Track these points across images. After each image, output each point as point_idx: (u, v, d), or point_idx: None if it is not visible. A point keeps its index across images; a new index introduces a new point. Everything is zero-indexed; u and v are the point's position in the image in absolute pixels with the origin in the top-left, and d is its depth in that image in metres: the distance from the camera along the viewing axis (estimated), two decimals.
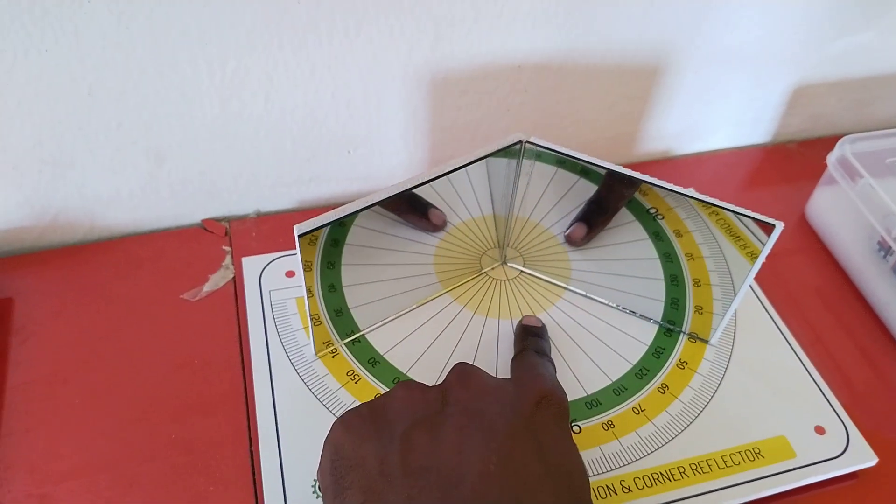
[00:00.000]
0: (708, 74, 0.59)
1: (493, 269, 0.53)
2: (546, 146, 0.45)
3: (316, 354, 0.46)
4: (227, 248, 0.53)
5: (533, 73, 0.54)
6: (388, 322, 0.49)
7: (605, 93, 0.58)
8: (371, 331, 0.48)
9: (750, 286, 0.53)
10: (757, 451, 0.43)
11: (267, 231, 0.55)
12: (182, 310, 0.50)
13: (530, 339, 0.45)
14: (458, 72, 0.52)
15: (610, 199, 0.50)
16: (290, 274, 0.51)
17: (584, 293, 0.51)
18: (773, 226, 0.42)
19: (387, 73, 0.50)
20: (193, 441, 0.43)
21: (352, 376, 0.46)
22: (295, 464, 0.41)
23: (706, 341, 0.49)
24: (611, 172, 0.45)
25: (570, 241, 0.51)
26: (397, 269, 0.48)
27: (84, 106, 0.46)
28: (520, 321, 0.47)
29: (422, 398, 0.35)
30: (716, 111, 0.63)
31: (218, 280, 0.51)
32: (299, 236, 0.39)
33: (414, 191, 0.42)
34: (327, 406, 0.44)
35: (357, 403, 0.44)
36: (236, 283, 0.51)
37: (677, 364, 0.48)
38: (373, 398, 0.36)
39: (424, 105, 0.53)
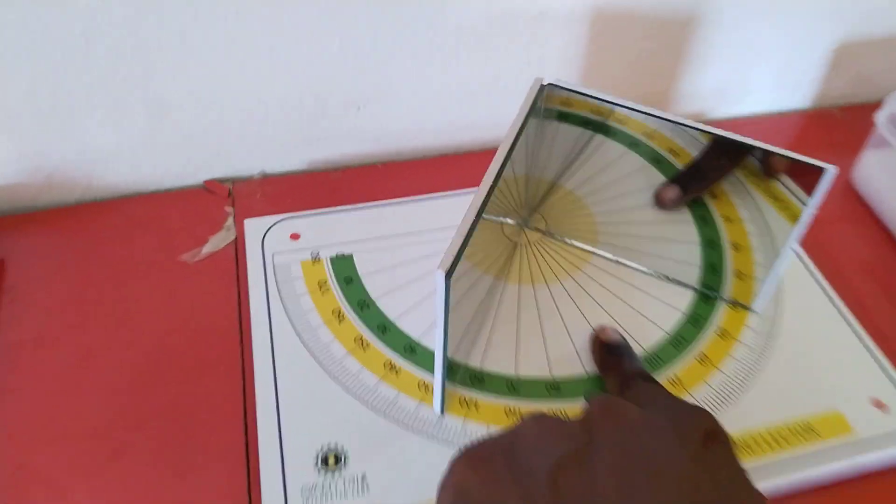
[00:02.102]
0: (746, 28, 0.55)
1: (513, 232, 0.49)
2: (568, 87, 0.41)
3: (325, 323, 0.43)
4: (230, 210, 0.50)
5: (554, 22, 0.50)
6: (400, 288, 0.45)
7: (634, 45, 0.54)
8: (383, 296, 0.44)
9: (796, 254, 0.49)
10: (809, 426, 0.39)
11: (272, 193, 0.52)
12: (179, 272, 0.46)
13: (625, 362, 0.40)
14: (473, 20, 0.48)
15: (710, 166, 0.46)
16: (294, 236, 0.47)
17: (612, 257, 0.47)
18: (823, 170, 0.37)
19: (396, 20, 0.47)
20: (184, 408, 0.40)
21: (360, 343, 0.42)
22: (295, 434, 0.38)
23: (749, 308, 0.45)
24: (717, 140, 0.42)
25: (660, 202, 0.47)
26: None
27: (79, 51, 0.43)
28: (595, 335, 0.42)
29: (561, 433, 0.29)
30: (754, 71, 0.59)
31: (218, 242, 0.48)
32: (446, 276, 0.31)
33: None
34: (332, 374, 0.40)
35: (370, 374, 0.40)
36: (238, 246, 0.48)
37: (717, 333, 0.43)
38: (495, 433, 0.31)
39: (437, 58, 0.49)
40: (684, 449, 0.28)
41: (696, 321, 0.44)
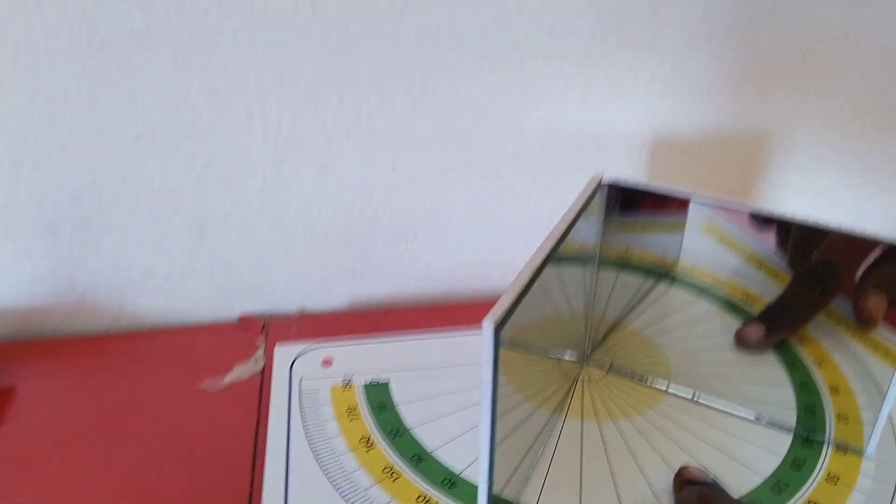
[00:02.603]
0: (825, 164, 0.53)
1: (571, 368, 0.43)
2: (630, 184, 0.38)
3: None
4: (261, 342, 0.46)
5: (614, 149, 0.49)
6: (441, 418, 0.39)
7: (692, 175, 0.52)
8: (419, 426, 0.38)
9: None
10: None
11: (309, 327, 0.48)
12: (198, 401, 0.42)
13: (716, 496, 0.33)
14: (529, 145, 0.47)
15: (800, 298, 0.43)
16: (327, 363, 0.43)
17: (690, 396, 0.41)
18: None
19: (452, 142, 0.46)
20: None
21: (389, 473, 0.35)
22: None
23: (860, 453, 0.37)
24: (804, 273, 0.41)
25: (742, 341, 0.43)
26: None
27: (130, 155, 0.43)
28: (678, 475, 0.35)
29: None
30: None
31: (243, 372, 0.43)
32: (496, 329, 0.26)
33: None
34: (352, 502, 0.33)
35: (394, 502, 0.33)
36: (264, 374, 0.43)
37: (826, 478, 0.35)
38: None
39: (490, 188, 0.48)
40: None
41: (798, 465, 0.36)
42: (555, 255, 0.32)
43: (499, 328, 0.26)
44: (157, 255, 0.46)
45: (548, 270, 0.41)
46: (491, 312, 0.26)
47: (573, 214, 0.34)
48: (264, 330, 0.48)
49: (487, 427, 0.28)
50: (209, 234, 0.46)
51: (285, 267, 0.48)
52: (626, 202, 0.46)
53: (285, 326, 0.48)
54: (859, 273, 0.41)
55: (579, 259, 0.41)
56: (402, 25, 0.42)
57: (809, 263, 0.43)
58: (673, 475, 0.35)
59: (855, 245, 0.42)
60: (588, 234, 0.40)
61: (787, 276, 0.45)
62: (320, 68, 0.42)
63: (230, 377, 0.43)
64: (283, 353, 0.44)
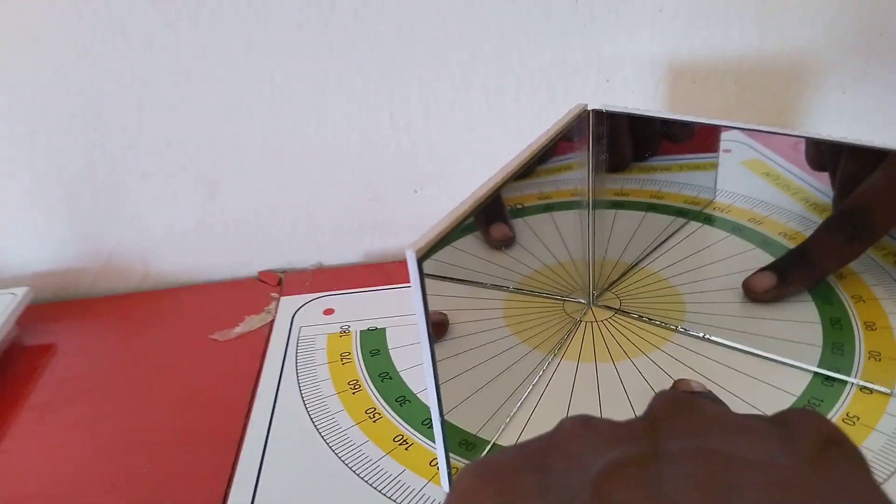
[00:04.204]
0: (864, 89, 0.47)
1: (577, 310, 0.41)
2: (615, 110, 0.35)
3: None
4: (276, 295, 0.47)
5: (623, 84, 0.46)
6: None
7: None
8: (409, 369, 0.38)
9: None
10: None
11: (323, 281, 0.48)
12: (208, 350, 0.43)
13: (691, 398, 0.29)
14: (536, 79, 0.45)
15: (820, 251, 0.40)
16: (328, 311, 0.43)
17: (700, 335, 0.38)
18: None
19: (449, 84, 0.45)
20: (167, 478, 0.34)
21: (371, 414, 0.35)
22: (270, 501, 0.30)
23: (889, 392, 0.33)
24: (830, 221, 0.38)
25: (749, 291, 0.40)
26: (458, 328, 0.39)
27: (134, 122, 0.44)
28: (673, 388, 0.33)
29: (613, 434, 0.21)
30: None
31: (253, 323, 0.44)
32: (419, 260, 0.25)
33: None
34: (332, 445, 0.33)
35: (375, 447, 0.33)
36: (272, 326, 0.44)
37: (843, 419, 0.32)
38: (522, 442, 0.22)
39: (497, 129, 0.46)
40: (794, 455, 0.19)
41: (814, 406, 0.33)
42: (509, 185, 0.31)
43: (423, 258, 0.25)
44: (172, 215, 0.48)
45: (543, 217, 0.40)
46: (417, 240, 0.25)
47: (541, 143, 0.32)
48: (280, 284, 0.48)
49: (428, 354, 0.26)
50: (219, 193, 0.47)
51: (297, 224, 0.49)
52: (640, 141, 0.43)
53: (301, 281, 0.48)
54: None
55: (577, 203, 0.39)
56: None
57: (840, 209, 0.39)
58: None
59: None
60: (585, 176, 0.38)
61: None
62: (305, 21, 0.42)
63: (240, 328, 0.44)
64: (289, 304, 0.44)
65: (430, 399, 0.28)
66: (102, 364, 0.44)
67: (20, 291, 0.46)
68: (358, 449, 0.33)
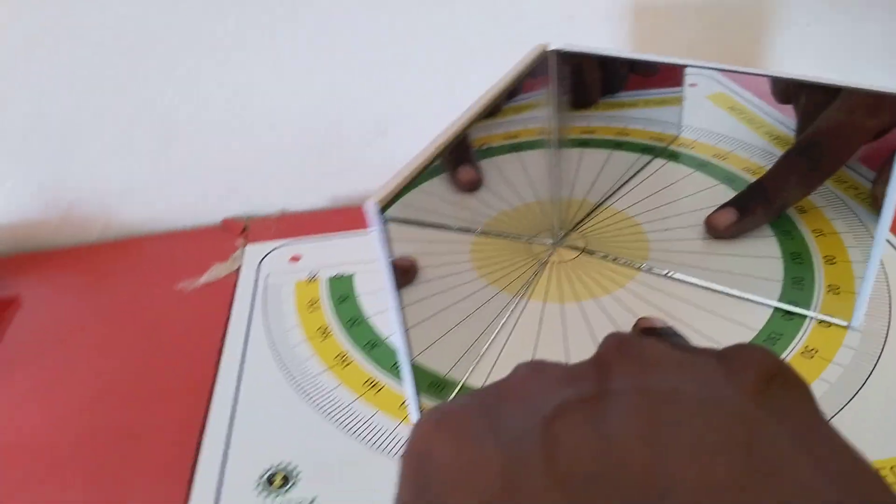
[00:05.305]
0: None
1: (543, 251, 0.41)
2: (575, 50, 0.35)
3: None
4: (242, 242, 0.46)
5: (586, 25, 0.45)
6: None
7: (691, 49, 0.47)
8: (378, 314, 0.38)
9: None
10: None
11: (289, 227, 0.48)
12: (175, 300, 0.42)
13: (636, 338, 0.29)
14: (496, 22, 0.44)
15: (779, 184, 0.40)
16: (295, 258, 0.43)
17: (664, 273, 0.38)
18: None
19: (407, 31, 0.44)
20: (140, 428, 0.34)
21: (341, 359, 0.35)
22: (244, 452, 0.31)
23: (847, 325, 0.34)
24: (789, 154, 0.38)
25: (711, 228, 0.40)
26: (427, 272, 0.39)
27: (87, 69, 0.42)
28: (634, 327, 0.31)
29: (563, 377, 0.21)
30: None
31: (219, 271, 0.44)
32: (381, 209, 0.25)
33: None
34: (303, 390, 0.34)
35: (347, 391, 0.33)
36: (238, 274, 0.43)
37: (802, 352, 0.33)
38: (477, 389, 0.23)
39: (458, 73, 0.45)
40: (737, 389, 0.19)
41: (774, 340, 0.34)
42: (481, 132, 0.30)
43: (384, 209, 0.25)
44: (131, 166, 0.46)
45: (510, 157, 0.39)
46: (378, 190, 0.25)
47: (501, 86, 0.32)
48: (245, 231, 0.48)
49: (394, 303, 0.27)
50: (177, 143, 0.46)
51: (260, 170, 0.48)
52: (607, 76, 0.42)
53: (265, 227, 0.48)
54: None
55: (543, 143, 0.38)
56: None
57: (797, 141, 0.40)
58: None
59: (852, 118, 0.38)
60: (550, 116, 0.37)
61: None
62: None
63: (206, 277, 0.44)
64: (255, 252, 0.44)
65: (398, 346, 0.28)
66: (68, 316, 0.43)
67: None
68: (330, 394, 0.33)
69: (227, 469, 0.30)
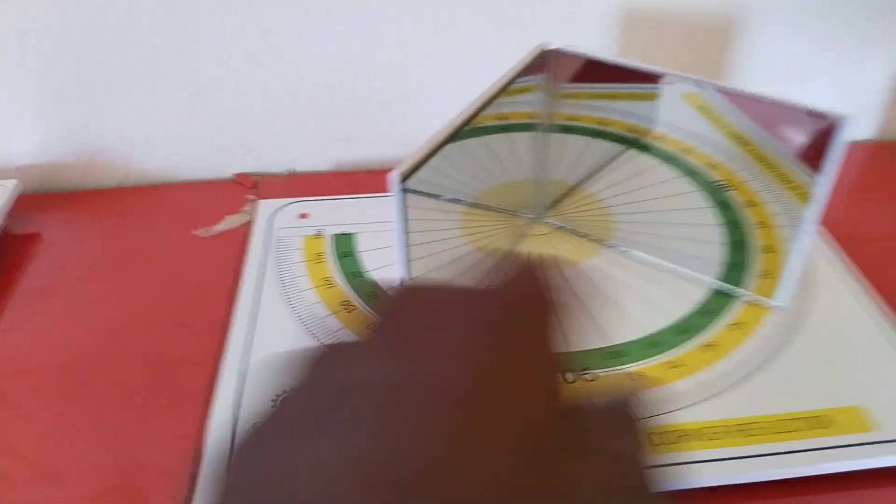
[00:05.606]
0: (794, 40, 0.53)
1: (523, 225, 0.47)
2: (576, 51, 0.40)
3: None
4: (252, 197, 0.51)
5: (586, 23, 0.51)
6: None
7: (668, 57, 0.53)
8: (377, 269, 0.44)
9: (838, 254, 0.44)
10: (824, 419, 0.34)
11: (297, 186, 0.53)
12: (191, 245, 0.48)
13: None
14: (508, 17, 0.49)
15: None
16: (303, 216, 0.48)
17: (623, 248, 0.44)
18: (835, 121, 0.34)
19: (422, 11, 0.48)
20: (159, 357, 0.40)
21: (346, 306, 0.41)
22: (259, 379, 0.36)
23: (769, 304, 0.40)
24: None
25: None
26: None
27: (123, 29, 0.47)
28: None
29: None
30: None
31: (233, 221, 0.49)
32: (402, 180, 0.31)
33: None
34: (311, 330, 0.39)
35: (346, 332, 0.39)
36: (250, 226, 0.48)
37: (731, 326, 0.39)
38: None
39: (470, 57, 0.50)
40: (479, 318, 0.19)
41: (707, 312, 0.40)
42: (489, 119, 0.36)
43: (404, 179, 0.30)
44: (156, 120, 0.51)
45: (499, 137, 0.45)
46: (401, 163, 0.30)
47: (505, 81, 0.37)
48: (256, 187, 0.53)
49: (403, 256, 0.32)
50: (201, 101, 0.50)
51: (274, 131, 0.53)
52: (588, 72, 0.48)
53: (275, 184, 0.53)
54: None
55: (532, 126, 0.44)
56: None
57: None
58: None
59: None
60: (541, 103, 0.43)
61: (758, 148, 0.47)
62: None
63: (220, 226, 0.49)
64: (267, 207, 0.49)
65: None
66: (90, 253, 0.48)
67: (10, 184, 0.49)
68: (335, 334, 0.39)
69: (245, 392, 0.36)
